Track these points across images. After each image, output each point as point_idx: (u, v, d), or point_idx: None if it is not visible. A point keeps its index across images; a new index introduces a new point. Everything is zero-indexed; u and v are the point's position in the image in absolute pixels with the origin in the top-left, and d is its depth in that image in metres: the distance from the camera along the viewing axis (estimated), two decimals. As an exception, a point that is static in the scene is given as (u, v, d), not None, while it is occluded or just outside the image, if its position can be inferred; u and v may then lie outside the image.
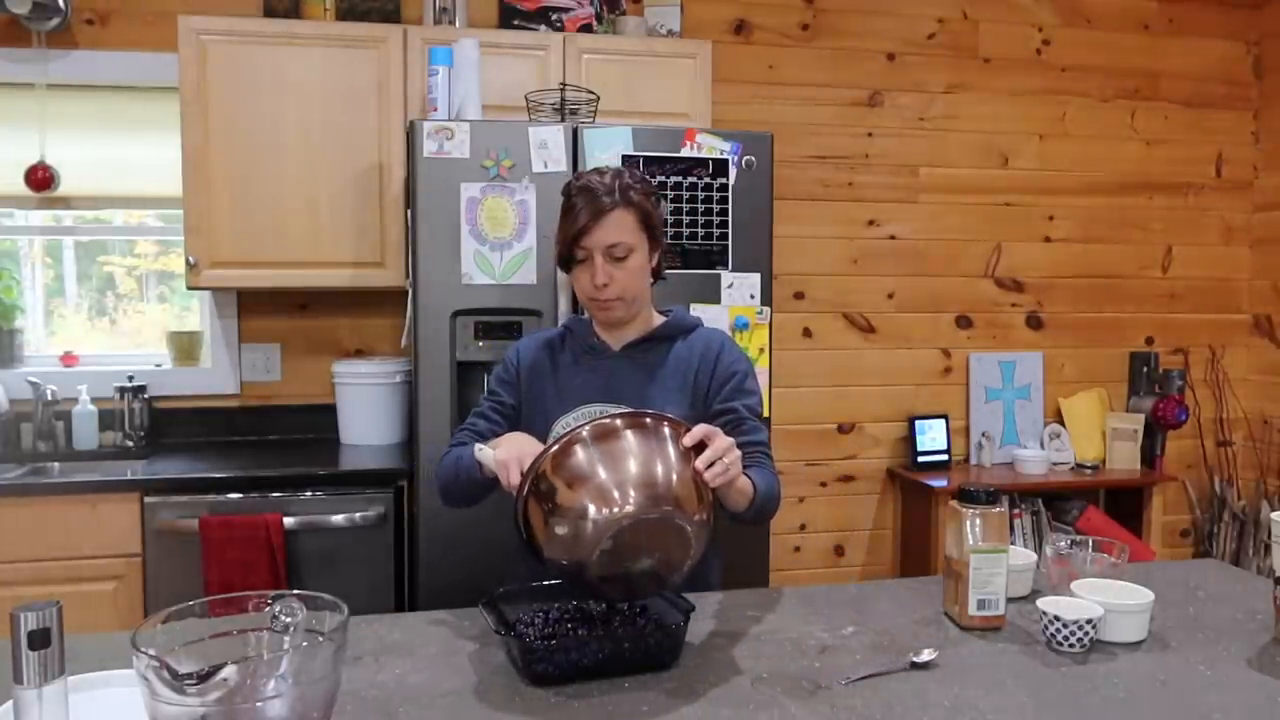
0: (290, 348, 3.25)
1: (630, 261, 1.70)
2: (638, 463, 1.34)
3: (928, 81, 3.66)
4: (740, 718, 1.22)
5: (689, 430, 1.40)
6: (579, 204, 1.69)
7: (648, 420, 1.39)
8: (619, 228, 1.68)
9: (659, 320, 1.83)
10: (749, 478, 1.58)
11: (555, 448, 1.35)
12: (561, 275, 2.53)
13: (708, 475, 1.36)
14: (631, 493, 1.31)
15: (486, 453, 1.56)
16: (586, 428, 1.37)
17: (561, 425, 1.75)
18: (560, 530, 1.33)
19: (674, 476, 1.35)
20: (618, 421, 1.38)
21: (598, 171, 1.73)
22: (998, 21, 3.71)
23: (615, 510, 1.30)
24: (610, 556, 1.32)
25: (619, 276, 1.70)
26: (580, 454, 1.35)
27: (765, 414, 2.11)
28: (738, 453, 1.43)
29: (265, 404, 3.23)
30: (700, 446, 1.39)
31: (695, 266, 2.61)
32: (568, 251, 1.72)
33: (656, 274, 1.81)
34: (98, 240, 3.27)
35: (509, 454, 1.48)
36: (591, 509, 1.31)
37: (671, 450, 1.37)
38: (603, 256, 1.69)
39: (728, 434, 1.66)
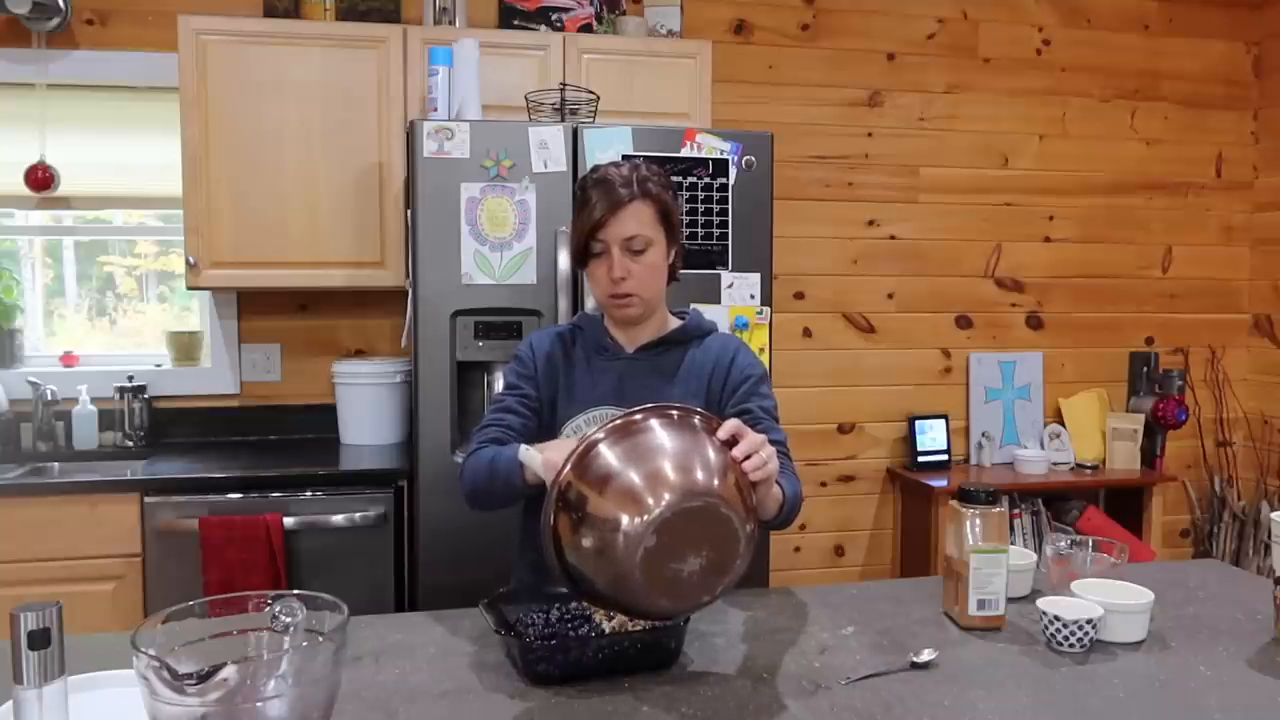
0: (290, 348, 3.25)
1: (648, 256, 1.66)
2: (673, 454, 1.27)
3: (928, 81, 3.66)
4: (740, 718, 1.22)
5: (720, 424, 1.35)
6: (595, 196, 1.64)
7: (674, 413, 1.34)
8: (636, 220, 1.64)
9: (675, 323, 1.78)
10: (777, 483, 1.51)
11: (578, 451, 1.29)
12: (562, 275, 2.53)
13: (747, 466, 1.31)
14: (671, 482, 1.24)
15: (533, 455, 1.48)
16: (610, 426, 1.30)
17: (571, 428, 1.70)
18: (593, 540, 1.25)
19: (714, 468, 1.28)
20: (638, 416, 1.32)
21: (615, 164, 1.69)
22: (998, 21, 3.71)
23: (655, 504, 1.23)
24: (655, 557, 1.23)
25: (636, 271, 1.65)
26: (608, 454, 1.28)
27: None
28: (772, 449, 1.37)
29: (265, 404, 3.23)
30: (733, 443, 1.33)
31: (695, 266, 2.61)
32: (584, 244, 1.67)
33: (672, 275, 1.76)
34: (98, 240, 3.27)
35: (561, 456, 1.34)
36: (629, 508, 1.23)
37: (707, 442, 1.31)
38: (620, 249, 1.64)
39: None
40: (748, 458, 1.32)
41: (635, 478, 1.25)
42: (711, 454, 1.30)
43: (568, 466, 1.29)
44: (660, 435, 1.30)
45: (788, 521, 1.60)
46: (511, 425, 1.70)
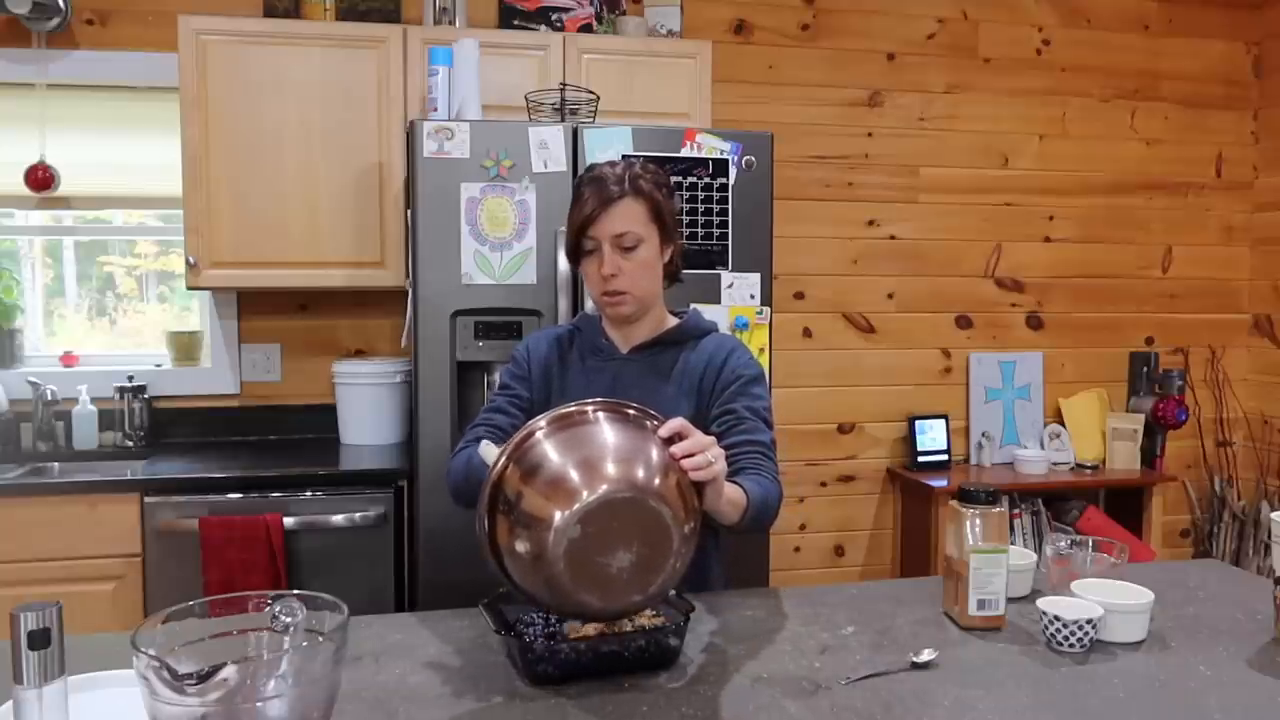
0: (290, 348, 3.25)
1: (639, 253, 1.66)
2: (611, 448, 1.26)
3: (928, 81, 3.66)
4: (740, 718, 1.22)
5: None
6: (587, 193, 1.65)
7: (630, 412, 1.33)
8: (626, 217, 1.64)
9: (671, 322, 1.77)
10: (740, 486, 1.51)
11: (518, 438, 1.28)
12: (562, 275, 2.53)
13: (686, 464, 1.29)
14: (601, 473, 1.23)
15: (491, 450, 1.45)
16: (553, 415, 1.30)
17: None
18: (520, 526, 1.23)
19: (653, 464, 1.26)
20: (588, 408, 1.31)
21: (610, 162, 1.70)
22: (998, 21, 3.71)
23: (581, 493, 1.21)
24: (580, 550, 1.21)
25: (627, 268, 1.65)
26: (545, 442, 1.27)
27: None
28: (720, 452, 1.35)
29: (265, 404, 3.23)
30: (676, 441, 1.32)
31: (695, 266, 2.61)
32: (576, 241, 1.67)
33: (672, 275, 1.75)
34: (98, 240, 3.27)
35: None
36: (556, 497, 1.21)
37: (652, 440, 1.30)
38: (610, 246, 1.64)
39: (726, 434, 1.63)
40: (688, 456, 1.30)
41: (566, 467, 1.24)
42: (654, 451, 1.28)
43: (505, 455, 1.28)
44: (603, 429, 1.29)
45: (758, 525, 1.56)
46: (499, 425, 1.70)
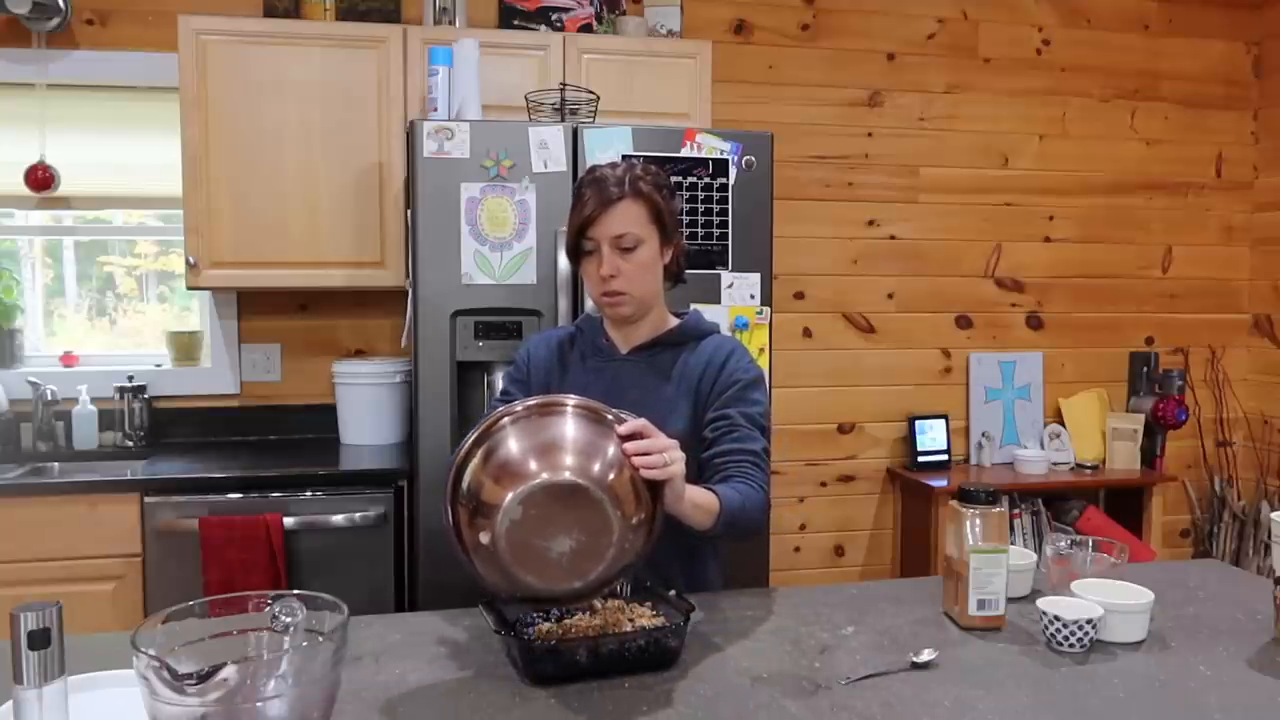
0: (290, 348, 3.25)
1: (639, 255, 1.66)
2: (569, 439, 1.29)
3: (928, 81, 3.66)
4: (740, 718, 1.22)
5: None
6: (588, 194, 1.66)
7: (608, 416, 1.34)
8: (626, 218, 1.65)
9: (672, 323, 1.77)
10: (715, 493, 1.50)
11: (488, 421, 1.32)
12: (562, 276, 2.53)
13: (638, 461, 1.30)
14: (549, 460, 1.26)
15: None
16: (528, 404, 1.33)
17: None
18: (473, 505, 1.27)
19: (607, 459, 1.29)
20: (566, 401, 1.34)
21: (611, 164, 1.71)
22: (998, 21, 3.71)
23: (526, 475, 1.25)
24: (521, 531, 1.24)
25: (626, 269, 1.66)
26: (510, 428, 1.31)
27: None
28: (679, 455, 1.36)
29: (265, 404, 3.23)
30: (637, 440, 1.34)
31: (695, 266, 2.60)
32: (575, 242, 1.68)
33: (675, 276, 1.76)
34: (98, 240, 3.27)
35: None
36: (504, 478, 1.26)
37: (613, 437, 1.32)
38: (609, 247, 1.65)
39: (717, 439, 1.64)
40: (642, 455, 1.31)
41: (519, 451, 1.28)
42: (609, 446, 1.31)
43: (473, 436, 1.31)
44: (569, 422, 1.32)
45: (736, 534, 1.56)
46: None
